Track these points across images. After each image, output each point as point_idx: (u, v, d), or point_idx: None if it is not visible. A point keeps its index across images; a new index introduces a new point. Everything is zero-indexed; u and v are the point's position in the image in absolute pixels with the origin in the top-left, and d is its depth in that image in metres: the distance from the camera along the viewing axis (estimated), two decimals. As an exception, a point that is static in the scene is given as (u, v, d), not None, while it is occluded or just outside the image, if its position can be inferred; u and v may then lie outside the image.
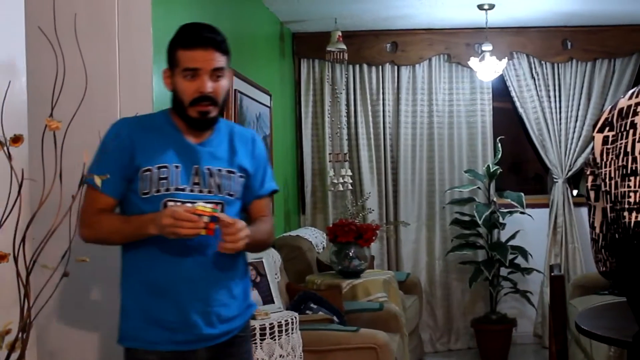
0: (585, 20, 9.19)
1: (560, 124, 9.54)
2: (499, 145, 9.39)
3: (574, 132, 9.50)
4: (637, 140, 2.24)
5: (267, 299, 5.49)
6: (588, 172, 2.57)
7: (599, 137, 2.42)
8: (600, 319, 5.13)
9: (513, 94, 9.62)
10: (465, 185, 9.46)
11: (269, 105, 7.92)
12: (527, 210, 9.30)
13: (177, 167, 3.57)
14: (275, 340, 4.95)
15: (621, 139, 2.30)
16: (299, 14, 8.69)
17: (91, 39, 4.23)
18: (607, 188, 2.35)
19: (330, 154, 9.39)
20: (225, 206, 3.64)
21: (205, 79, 3.51)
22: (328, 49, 8.54)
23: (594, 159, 2.44)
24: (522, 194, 9.25)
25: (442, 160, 9.66)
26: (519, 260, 9.27)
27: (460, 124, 9.66)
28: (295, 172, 9.52)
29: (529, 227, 9.50)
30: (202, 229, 3.35)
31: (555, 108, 9.55)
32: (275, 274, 6.31)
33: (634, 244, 2.28)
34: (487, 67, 8.64)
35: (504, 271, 9.31)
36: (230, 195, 3.68)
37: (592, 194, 2.52)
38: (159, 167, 3.55)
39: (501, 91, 9.75)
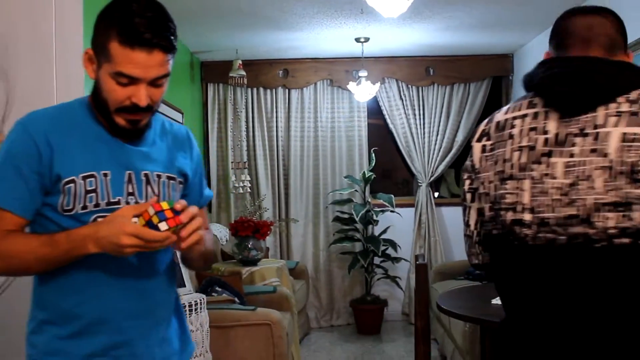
0: (445, 51, 9.33)
1: (424, 137, 9.64)
2: (373, 155, 9.49)
3: (435, 144, 9.61)
4: (514, 149, 2.22)
5: (180, 283, 5.42)
6: (465, 177, 2.45)
7: (477, 146, 2.36)
8: (457, 300, 5.25)
9: (385, 112, 9.70)
10: (344, 189, 9.52)
11: (181, 122, 7.92)
12: (397, 210, 9.39)
13: (105, 174, 2.42)
14: (186, 317, 4.95)
15: (499, 148, 2.27)
16: (206, 46, 8.68)
17: (31, 63, 3.81)
18: (487, 190, 2.30)
19: (232, 162, 9.41)
20: None
21: (142, 89, 2.35)
22: (230, 75, 8.52)
23: (473, 165, 2.37)
24: (392, 196, 9.33)
25: (325, 168, 9.70)
26: (390, 251, 9.38)
27: (341, 138, 9.70)
28: (202, 177, 9.47)
29: (398, 224, 9.59)
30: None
31: (420, 124, 9.65)
32: (186, 263, 6.31)
33: (509, 239, 2.25)
34: (363, 90, 8.71)
35: (377, 260, 9.40)
36: None
37: (468, 195, 2.41)
38: (85, 177, 2.39)
39: (375, 110, 9.80)
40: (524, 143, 2.23)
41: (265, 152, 9.63)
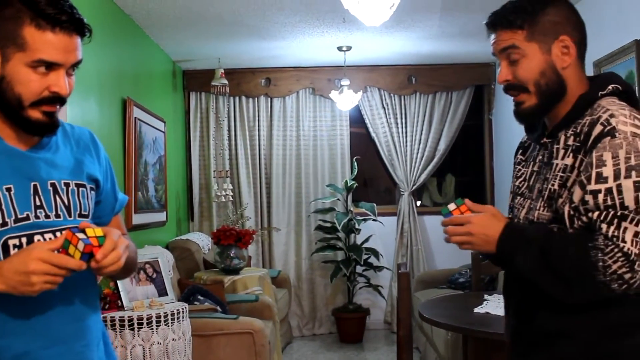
0: (428, 60, 9.35)
1: (406, 146, 9.65)
2: (355, 163, 9.50)
3: (417, 152, 9.62)
4: None
5: (162, 292, 5.45)
6: None
7: None
8: (439, 308, 5.25)
9: (367, 121, 9.71)
10: (327, 197, 9.53)
11: (163, 130, 7.93)
12: (379, 218, 9.40)
13: (9, 189, 2.13)
14: (168, 326, 4.92)
15: None
16: (188, 54, 8.69)
17: None
18: None
19: (214, 170, 9.42)
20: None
21: (62, 76, 2.13)
22: (213, 83, 8.50)
23: None
24: (375, 205, 9.36)
25: (307, 176, 9.70)
26: (372, 259, 9.40)
27: (323, 146, 9.72)
28: (185, 186, 9.49)
29: (380, 232, 9.60)
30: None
31: (402, 133, 9.66)
32: (169, 271, 6.30)
33: None
34: (345, 99, 8.72)
35: (359, 269, 9.41)
36: (83, 216, 2.29)
37: None
38: None
39: (357, 119, 9.82)
40: None
41: (248, 161, 9.63)
